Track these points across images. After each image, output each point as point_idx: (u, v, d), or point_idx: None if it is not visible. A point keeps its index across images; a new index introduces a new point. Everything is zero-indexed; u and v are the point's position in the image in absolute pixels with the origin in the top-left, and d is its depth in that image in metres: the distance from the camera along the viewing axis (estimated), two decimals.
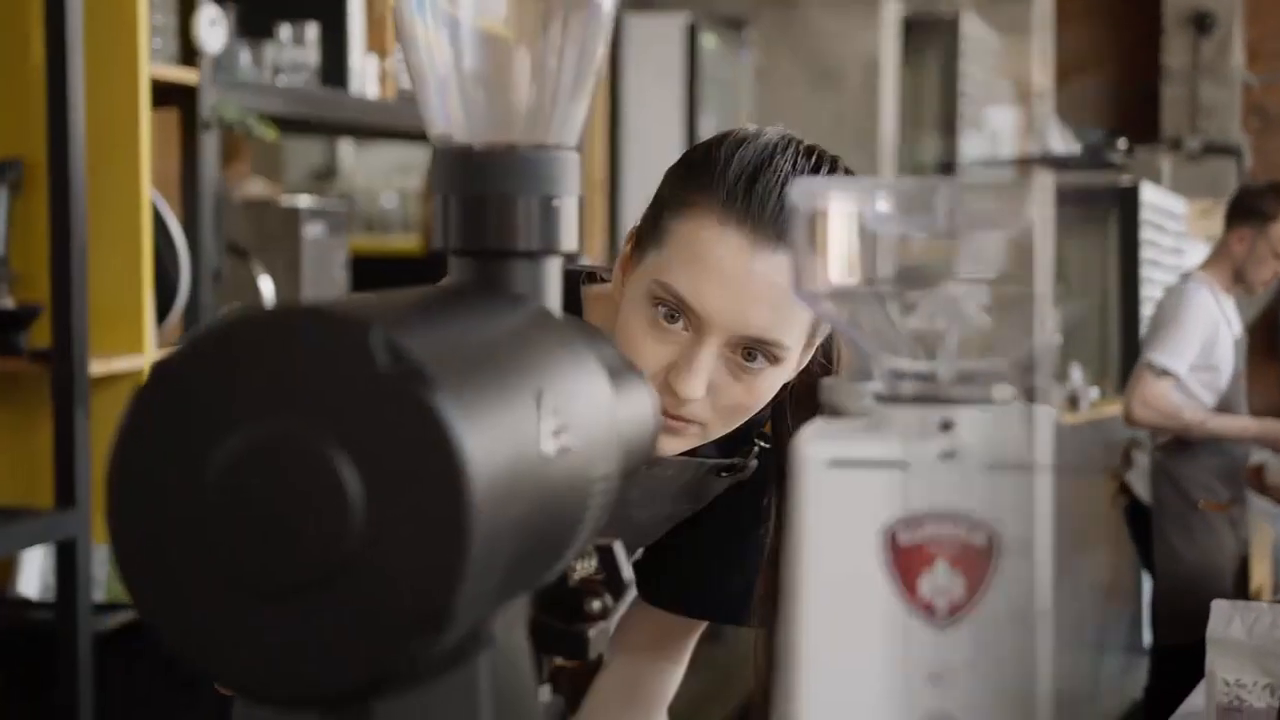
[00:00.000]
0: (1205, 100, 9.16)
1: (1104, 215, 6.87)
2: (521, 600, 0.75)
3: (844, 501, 0.69)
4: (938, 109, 7.35)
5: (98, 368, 2.44)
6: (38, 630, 2.48)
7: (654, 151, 4.67)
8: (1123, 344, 7.31)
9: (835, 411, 0.77)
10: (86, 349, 2.38)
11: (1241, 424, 4.39)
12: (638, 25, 5.05)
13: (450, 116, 0.82)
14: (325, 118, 3.23)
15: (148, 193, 2.53)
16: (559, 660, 0.94)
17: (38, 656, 2.45)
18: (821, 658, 0.69)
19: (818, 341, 1.33)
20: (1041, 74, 5.48)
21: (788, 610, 0.70)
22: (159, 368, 0.63)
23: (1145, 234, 7.01)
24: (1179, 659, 4.33)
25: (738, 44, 5.16)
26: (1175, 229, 7.45)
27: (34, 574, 2.73)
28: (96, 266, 2.47)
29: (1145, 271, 7.06)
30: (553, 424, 0.70)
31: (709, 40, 4.98)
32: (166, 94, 2.67)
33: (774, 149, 1.26)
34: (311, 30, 3.06)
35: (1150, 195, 7.07)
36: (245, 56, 2.99)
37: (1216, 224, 8.54)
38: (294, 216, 3.12)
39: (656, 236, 1.27)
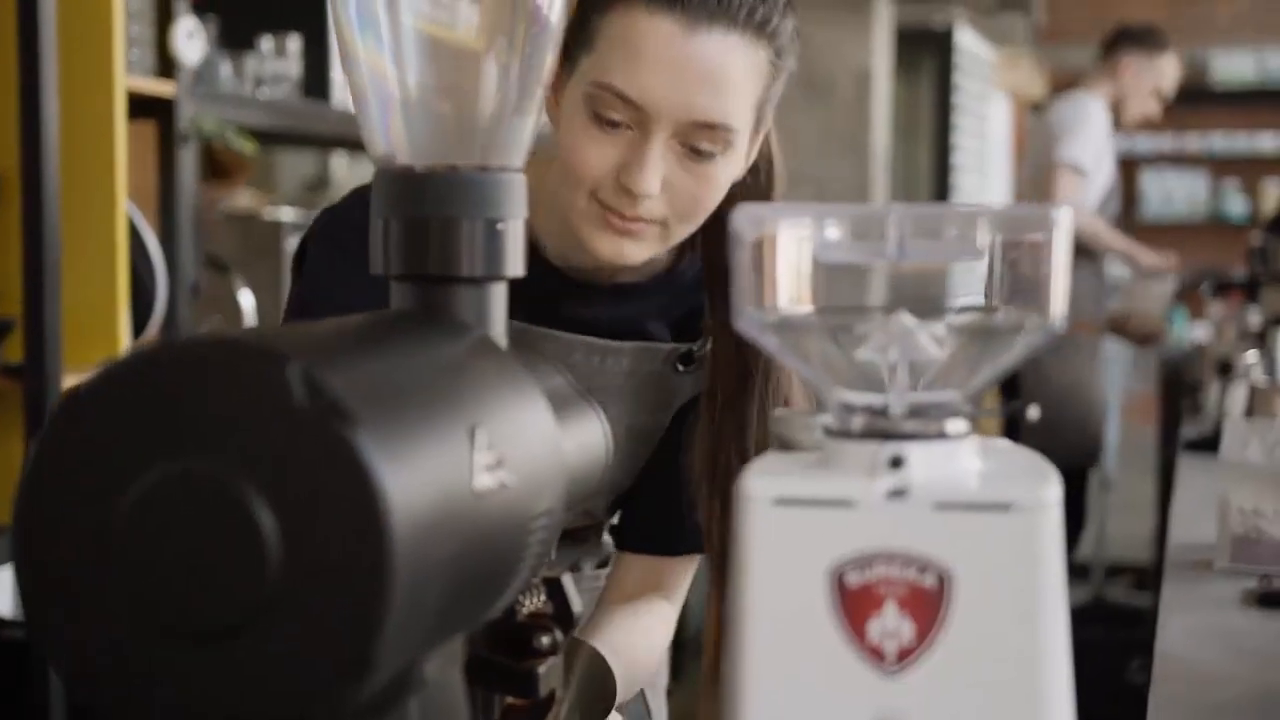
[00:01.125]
0: None
1: (918, 56, 6.93)
2: (457, 640, 0.72)
3: (790, 541, 0.66)
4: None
5: (71, 383, 2.40)
6: (10, 648, 2.45)
7: None
8: (933, 188, 7.36)
9: (786, 445, 0.74)
10: (60, 364, 2.35)
11: (1125, 242, 4.46)
12: None
13: (392, 137, 0.80)
14: (307, 130, 3.21)
15: (123, 205, 2.50)
16: (509, 699, 0.91)
17: (11, 674, 2.42)
18: (766, 702, 0.66)
19: (764, 129, 1.31)
20: None
21: (730, 654, 0.67)
22: (71, 397, 0.60)
23: (957, 79, 7.08)
24: None
25: None
26: (984, 76, 7.58)
27: (6, 591, 2.70)
28: (71, 280, 2.44)
29: (954, 117, 7.14)
30: (487, 459, 0.67)
31: None
32: (144, 106, 2.64)
33: None
34: (293, 42, 3.03)
35: (964, 40, 7.12)
36: (226, 68, 2.96)
37: (1020, 76, 8.69)
38: (277, 230, 3.10)
39: (585, 39, 1.25)
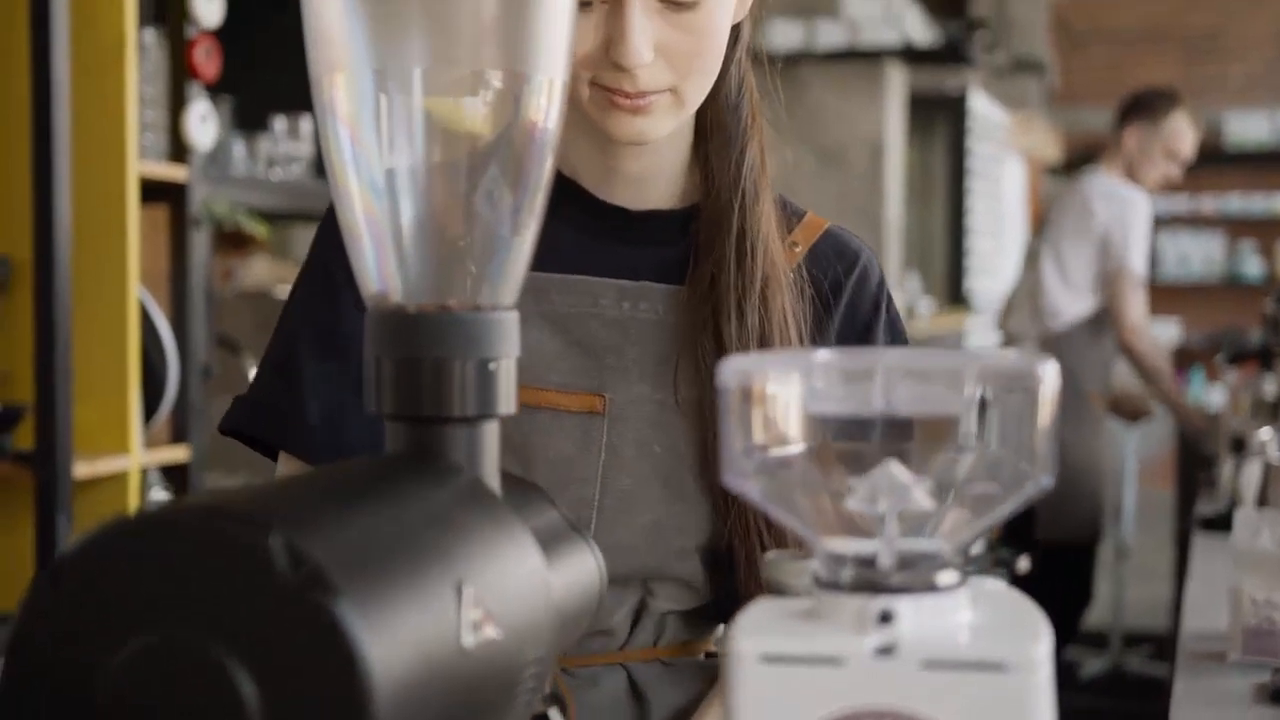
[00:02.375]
0: (1012, 14, 9.30)
1: (931, 121, 6.94)
2: None
3: (779, 698, 0.66)
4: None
5: (82, 470, 2.41)
6: None
7: None
8: (948, 253, 7.36)
9: (777, 589, 0.74)
10: (70, 452, 2.35)
11: (1185, 406, 4.48)
12: None
13: (384, 276, 0.80)
14: (319, 210, 3.21)
15: (135, 291, 2.51)
16: None
17: None
18: None
19: None
20: None
21: None
22: (55, 565, 0.60)
23: (971, 143, 7.09)
24: (1059, 556, 4.32)
25: None
26: (998, 139, 7.59)
27: None
28: (83, 366, 2.45)
29: (968, 182, 7.16)
30: (475, 615, 0.67)
31: None
32: (157, 190, 2.66)
33: None
34: (306, 123, 3.05)
35: (978, 105, 7.14)
36: (240, 148, 2.98)
37: (1035, 138, 8.75)
38: None
39: None
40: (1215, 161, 10.13)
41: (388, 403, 0.78)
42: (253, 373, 3.02)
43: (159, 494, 2.77)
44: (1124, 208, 4.38)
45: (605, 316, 1.24)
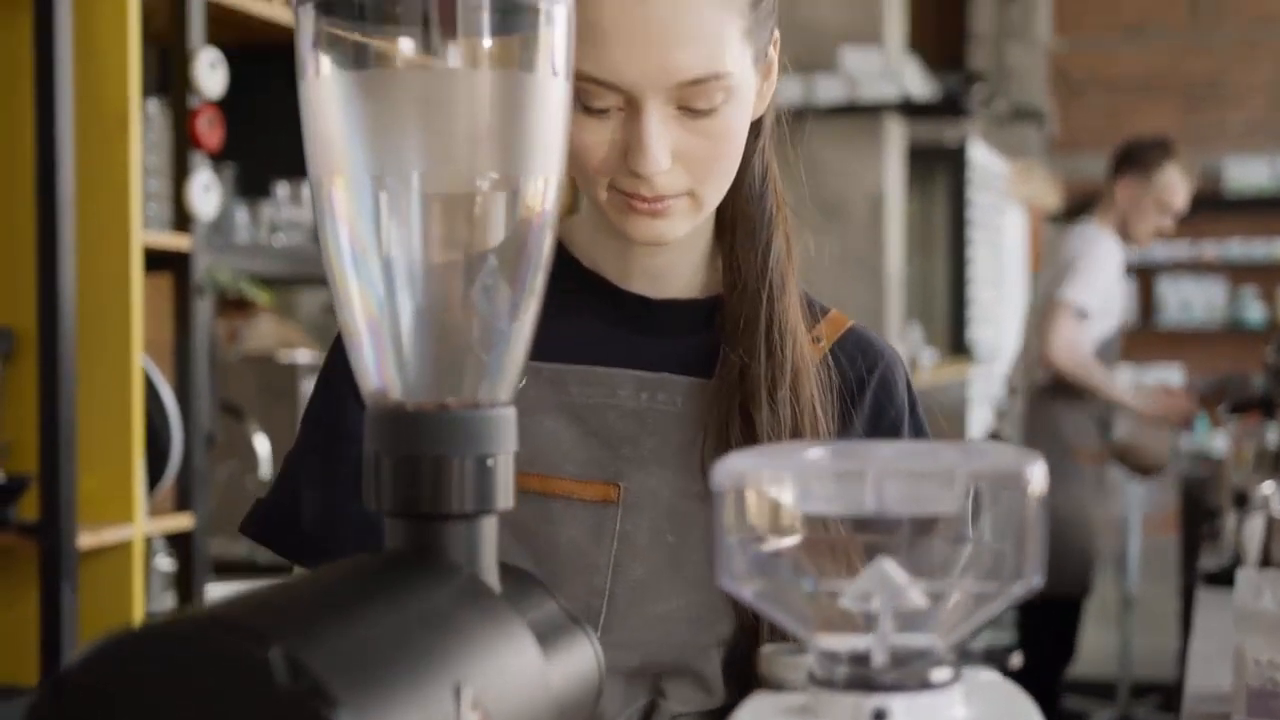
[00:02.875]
0: (1011, 63, 9.35)
1: (931, 172, 6.97)
2: None
3: None
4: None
5: (87, 540, 2.42)
6: None
7: None
8: (950, 303, 7.36)
9: (774, 684, 0.75)
10: (75, 523, 2.36)
11: (1121, 392, 4.46)
12: None
13: (383, 373, 0.81)
14: (322, 275, 3.24)
15: (139, 361, 2.52)
16: None
17: None
18: None
19: (771, 53, 1.22)
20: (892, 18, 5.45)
21: None
22: (56, 680, 0.61)
23: (971, 193, 7.11)
24: (1042, 612, 4.30)
25: None
26: (998, 189, 7.62)
27: None
28: (87, 436, 2.46)
29: (969, 232, 7.18)
30: (473, 716, 0.67)
31: None
32: (160, 258, 2.67)
33: None
34: (308, 189, 3.08)
35: (977, 155, 7.17)
36: (243, 214, 3.00)
37: (1035, 187, 8.78)
38: (293, 373, 3.12)
39: None
40: (1216, 208, 10.16)
41: (387, 500, 0.79)
42: (257, 438, 3.04)
43: (163, 562, 2.78)
44: (1088, 244, 4.42)
45: (623, 407, 1.24)
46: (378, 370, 0.81)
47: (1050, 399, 4.41)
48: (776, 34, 1.23)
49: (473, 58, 0.77)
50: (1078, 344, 4.29)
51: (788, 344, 1.23)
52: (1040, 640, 4.39)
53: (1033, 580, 0.68)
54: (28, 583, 2.41)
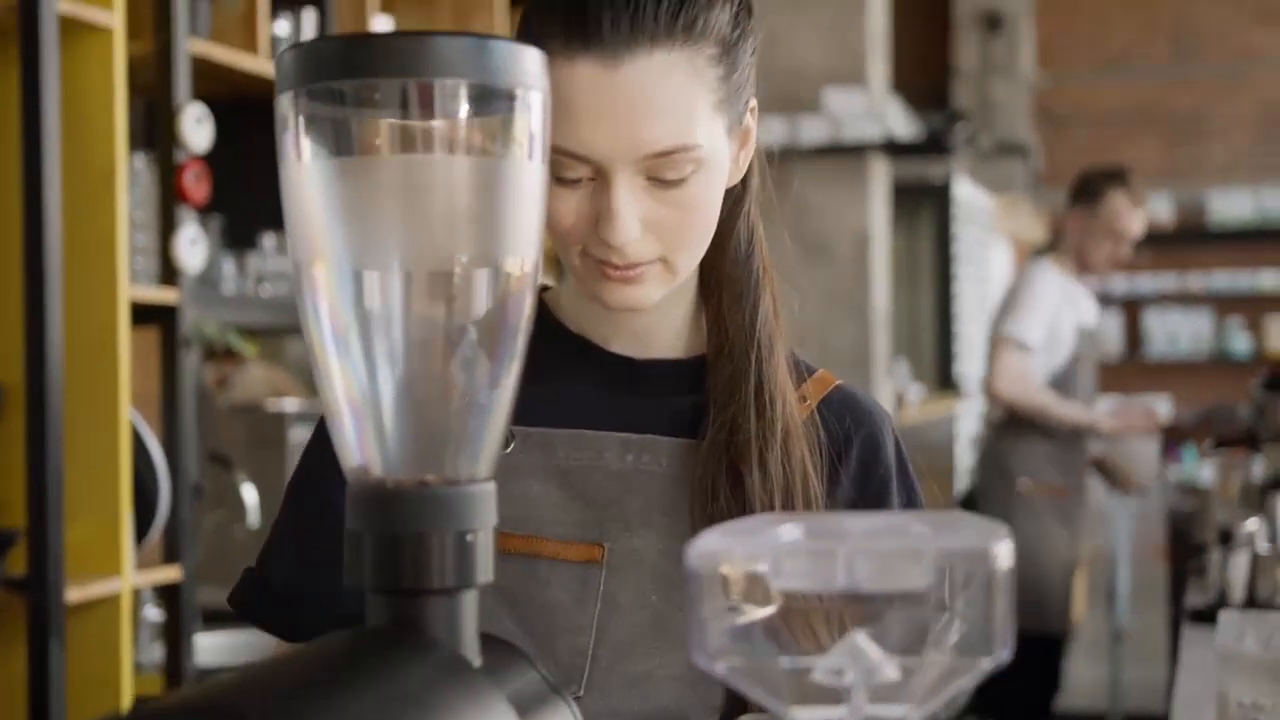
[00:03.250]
0: (995, 99, 9.41)
1: (916, 209, 7.00)
2: None
3: None
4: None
5: (75, 594, 2.42)
6: None
7: None
8: (937, 339, 7.38)
9: None
10: (63, 579, 2.37)
11: (1077, 411, 4.45)
12: None
13: (365, 451, 0.82)
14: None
15: (127, 415, 2.53)
16: None
17: None
18: None
19: (746, 122, 1.23)
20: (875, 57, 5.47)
21: None
22: None
23: (956, 229, 7.15)
24: (1022, 649, 4.29)
25: None
26: (984, 224, 7.66)
27: None
28: (75, 489, 2.46)
29: (955, 267, 7.20)
30: None
31: None
32: (148, 312, 2.69)
33: None
34: None
35: (962, 191, 7.21)
36: (230, 267, 3.02)
37: (1020, 221, 8.80)
38: (281, 421, 3.13)
39: None
40: (1201, 240, 10.23)
41: (369, 575, 0.81)
42: (245, 488, 3.04)
43: (152, 612, 2.78)
44: (1028, 278, 4.46)
45: (609, 469, 1.25)
46: (359, 447, 0.83)
47: (1003, 434, 4.45)
48: (754, 102, 1.25)
49: (451, 145, 0.79)
50: (1022, 375, 4.31)
51: (777, 404, 1.24)
52: (1025, 677, 4.40)
53: (1001, 654, 0.70)
54: (16, 638, 2.41)
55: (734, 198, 1.26)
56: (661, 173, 1.15)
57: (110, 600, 2.53)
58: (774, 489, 1.23)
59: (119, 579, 2.53)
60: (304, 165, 0.80)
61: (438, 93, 0.78)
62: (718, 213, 1.21)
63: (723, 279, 1.28)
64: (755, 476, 1.22)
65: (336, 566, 0.97)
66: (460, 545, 0.80)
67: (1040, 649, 4.40)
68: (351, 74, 0.78)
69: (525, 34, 1.17)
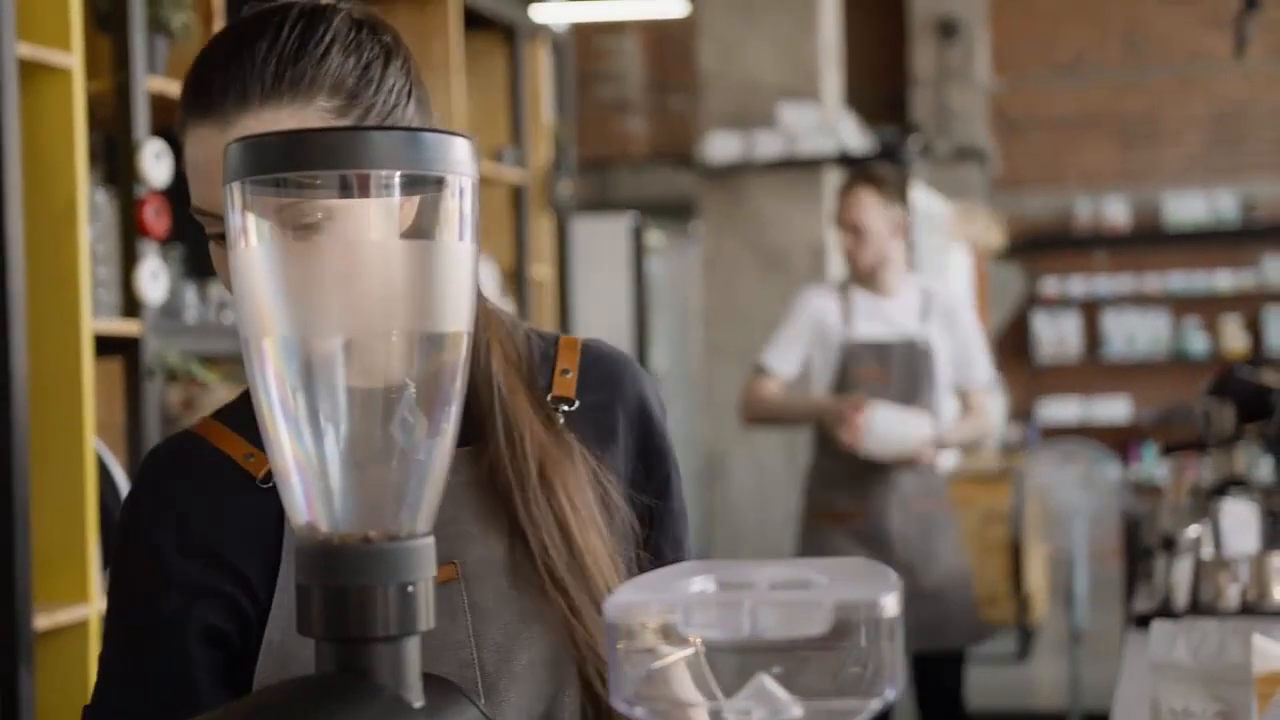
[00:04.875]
0: (952, 105, 9.53)
1: None
2: None
3: None
4: None
5: (42, 621, 2.47)
6: None
7: None
8: None
9: None
10: (31, 606, 2.42)
11: (805, 401, 4.28)
12: (586, 227, 5.18)
13: (311, 510, 0.89)
14: None
15: (91, 445, 2.59)
16: None
17: None
18: None
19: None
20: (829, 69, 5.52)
21: None
22: None
23: (913, 236, 7.24)
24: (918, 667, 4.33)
25: (684, 237, 5.30)
26: (941, 230, 7.76)
27: None
28: (41, 520, 2.52)
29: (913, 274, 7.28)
30: None
31: (655, 237, 5.11)
32: (111, 344, 2.74)
33: (244, 20, 1.24)
34: None
35: (918, 199, 7.31)
36: (191, 295, 3.07)
37: (977, 226, 8.87)
38: None
39: (182, 177, 1.27)
40: (1156, 242, 10.36)
41: (317, 625, 0.87)
42: None
43: None
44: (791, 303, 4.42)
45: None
46: (306, 506, 0.89)
47: (807, 471, 4.38)
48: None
49: (387, 227, 0.85)
50: (751, 391, 4.26)
51: (527, 441, 1.30)
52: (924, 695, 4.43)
53: (889, 693, 0.77)
54: None
55: None
56: (296, 221, 1.09)
57: (78, 627, 2.58)
58: (549, 525, 1.29)
59: (87, 605, 2.58)
60: (251, 248, 0.86)
61: (373, 182, 0.85)
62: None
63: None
64: (529, 511, 1.29)
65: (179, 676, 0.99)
66: (402, 596, 0.87)
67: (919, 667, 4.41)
68: (293, 167, 0.85)
69: (178, 117, 1.26)
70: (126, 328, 2.74)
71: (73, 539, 2.56)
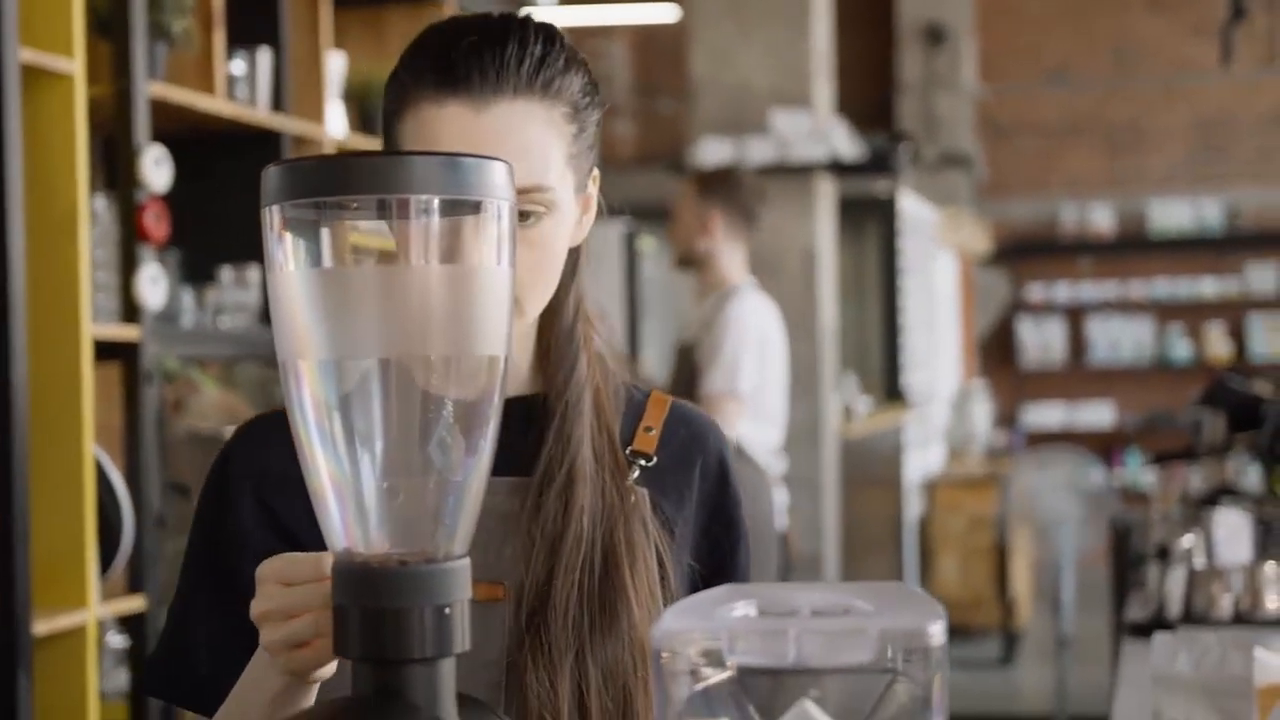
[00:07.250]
0: (939, 111, 9.56)
1: (862, 224, 7.11)
2: None
3: None
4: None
5: (41, 627, 2.47)
6: None
7: None
8: (884, 351, 7.51)
9: None
10: (30, 611, 2.42)
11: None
12: None
13: (349, 534, 0.89)
14: (268, 355, 3.31)
15: (90, 450, 2.58)
16: None
17: None
18: None
19: (589, 190, 1.31)
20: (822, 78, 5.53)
21: None
22: None
23: (901, 243, 7.28)
24: None
25: None
26: (929, 236, 7.79)
27: None
28: (39, 524, 2.51)
29: (901, 280, 7.33)
30: None
31: (647, 244, 5.11)
32: (110, 349, 2.74)
33: (475, 17, 1.27)
34: (252, 272, 3.15)
35: (906, 205, 7.35)
36: (189, 300, 3.07)
37: (964, 232, 8.88)
38: None
39: (394, 148, 1.25)
40: (1141, 248, 10.38)
41: (354, 647, 0.88)
42: None
43: (116, 641, 2.83)
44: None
45: (499, 511, 1.28)
46: (343, 530, 0.89)
47: None
48: (597, 172, 1.33)
49: (425, 252, 0.85)
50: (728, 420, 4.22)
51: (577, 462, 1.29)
52: None
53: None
54: None
55: (571, 264, 1.32)
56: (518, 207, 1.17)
57: (76, 632, 2.58)
58: (599, 553, 1.28)
59: (85, 610, 2.58)
60: (288, 274, 0.87)
61: (413, 207, 0.85)
62: (563, 263, 1.28)
63: (550, 341, 1.33)
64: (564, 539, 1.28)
65: (250, 633, 1.01)
66: (439, 618, 0.87)
67: None
68: (333, 191, 0.85)
69: (396, 83, 1.26)
70: (126, 333, 2.74)
71: (72, 544, 2.56)
